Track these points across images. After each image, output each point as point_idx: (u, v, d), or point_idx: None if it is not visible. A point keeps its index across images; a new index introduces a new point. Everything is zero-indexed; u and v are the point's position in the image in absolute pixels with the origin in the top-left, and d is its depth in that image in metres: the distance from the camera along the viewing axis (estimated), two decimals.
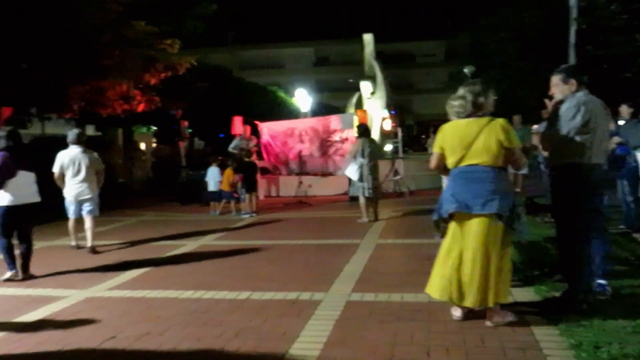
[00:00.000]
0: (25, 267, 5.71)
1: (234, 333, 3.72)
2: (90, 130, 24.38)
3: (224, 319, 4.05)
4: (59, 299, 4.78)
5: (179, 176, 14.04)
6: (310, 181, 13.10)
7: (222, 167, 11.01)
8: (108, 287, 5.17)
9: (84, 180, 7.07)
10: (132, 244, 7.64)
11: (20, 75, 10.40)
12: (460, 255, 3.59)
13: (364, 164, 8.54)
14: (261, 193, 12.63)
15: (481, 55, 23.60)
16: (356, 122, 13.49)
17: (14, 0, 9.23)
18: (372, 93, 17.01)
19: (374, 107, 16.34)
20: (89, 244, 7.06)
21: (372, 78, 17.17)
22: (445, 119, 3.90)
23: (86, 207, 7.11)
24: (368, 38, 17.61)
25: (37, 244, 7.73)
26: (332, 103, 35.21)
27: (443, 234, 3.79)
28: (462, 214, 3.59)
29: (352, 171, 8.68)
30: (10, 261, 5.63)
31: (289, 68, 49.43)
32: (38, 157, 8.99)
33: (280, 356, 3.29)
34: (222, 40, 47.35)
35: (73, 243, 7.34)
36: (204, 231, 8.47)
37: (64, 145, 7.25)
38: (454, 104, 3.75)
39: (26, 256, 5.72)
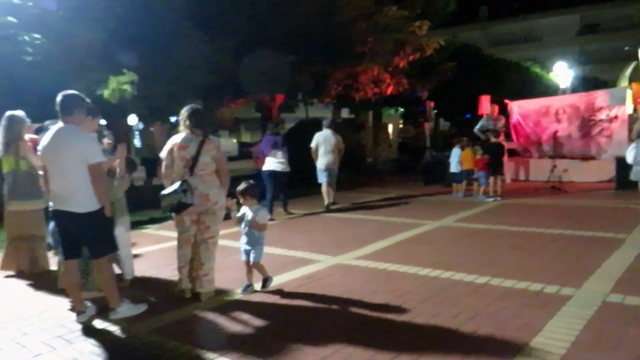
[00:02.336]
0: (285, 207, 8.92)
1: (469, 316, 3.66)
2: (344, 113, 26.67)
3: (460, 300, 4.02)
4: (313, 263, 5.45)
5: (423, 157, 14.26)
6: (567, 165, 11.72)
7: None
8: (354, 257, 5.64)
9: (331, 155, 9.25)
10: (376, 219, 8.14)
11: (289, 67, 11.98)
12: None
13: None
14: (507, 176, 11.91)
15: None
16: (630, 98, 11.51)
17: (283, 5, 10.61)
18: None
19: None
20: (327, 201, 9.32)
21: None
22: None
23: (331, 175, 9.35)
24: None
25: (299, 211, 8.96)
26: (599, 76, 30.67)
27: None
28: None
29: (628, 153, 7.99)
30: (270, 209, 8.18)
31: (547, 40, 44.71)
32: (302, 137, 10.62)
33: (519, 346, 3.11)
34: (474, 17, 45.68)
35: (326, 201, 9.33)
36: (444, 212, 8.46)
37: (320, 127, 9.64)
38: None
39: (285, 202, 8.90)
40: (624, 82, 15.08)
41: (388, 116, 26.80)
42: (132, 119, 15.61)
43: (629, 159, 7.94)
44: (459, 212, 8.40)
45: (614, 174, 10.54)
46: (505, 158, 11.02)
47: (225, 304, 4.21)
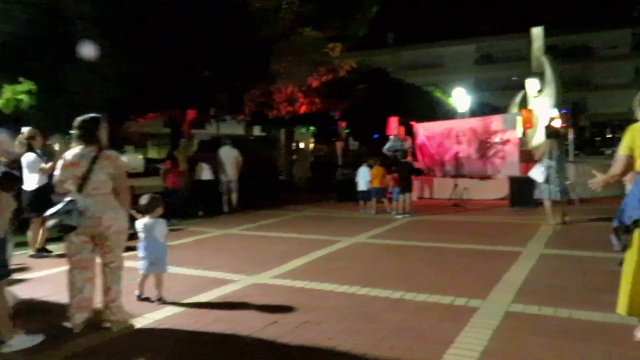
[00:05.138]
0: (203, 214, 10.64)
1: (388, 331, 3.75)
2: (256, 131, 26.53)
3: (379, 316, 4.11)
4: (230, 282, 5.31)
5: (336, 175, 14.55)
6: (467, 184, 12.56)
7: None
8: (272, 275, 5.58)
9: (228, 166, 11.23)
10: (292, 237, 8.14)
11: (203, 82, 11.74)
12: None
13: (552, 166, 8.27)
14: (414, 194, 12.49)
15: None
16: (520, 123, 12.61)
17: (198, 17, 10.42)
18: (540, 91, 15.75)
19: (541, 106, 15.11)
20: (225, 209, 11.43)
21: (540, 75, 15.90)
22: (629, 119, 3.48)
23: (233, 187, 11.40)
24: (537, 32, 16.36)
25: (214, 232, 8.72)
26: (493, 103, 33.37)
27: (624, 247, 3.39)
28: None
29: (537, 173, 8.47)
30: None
31: (448, 67, 47.99)
32: (213, 152, 10.97)
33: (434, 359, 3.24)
34: (384, 42, 47.94)
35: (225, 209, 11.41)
36: (358, 229, 8.66)
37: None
38: None
39: (203, 210, 10.71)
40: (514, 109, 16.50)
41: (300, 134, 27.06)
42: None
43: (540, 178, 8.28)
44: (372, 229, 8.64)
45: (508, 192, 11.45)
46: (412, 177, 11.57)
47: (133, 331, 3.96)
